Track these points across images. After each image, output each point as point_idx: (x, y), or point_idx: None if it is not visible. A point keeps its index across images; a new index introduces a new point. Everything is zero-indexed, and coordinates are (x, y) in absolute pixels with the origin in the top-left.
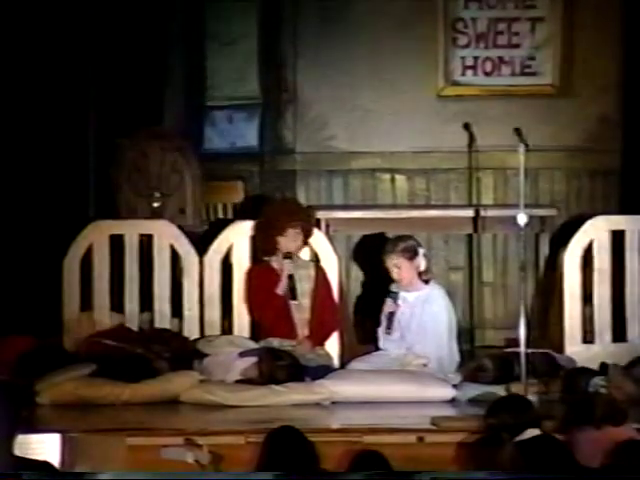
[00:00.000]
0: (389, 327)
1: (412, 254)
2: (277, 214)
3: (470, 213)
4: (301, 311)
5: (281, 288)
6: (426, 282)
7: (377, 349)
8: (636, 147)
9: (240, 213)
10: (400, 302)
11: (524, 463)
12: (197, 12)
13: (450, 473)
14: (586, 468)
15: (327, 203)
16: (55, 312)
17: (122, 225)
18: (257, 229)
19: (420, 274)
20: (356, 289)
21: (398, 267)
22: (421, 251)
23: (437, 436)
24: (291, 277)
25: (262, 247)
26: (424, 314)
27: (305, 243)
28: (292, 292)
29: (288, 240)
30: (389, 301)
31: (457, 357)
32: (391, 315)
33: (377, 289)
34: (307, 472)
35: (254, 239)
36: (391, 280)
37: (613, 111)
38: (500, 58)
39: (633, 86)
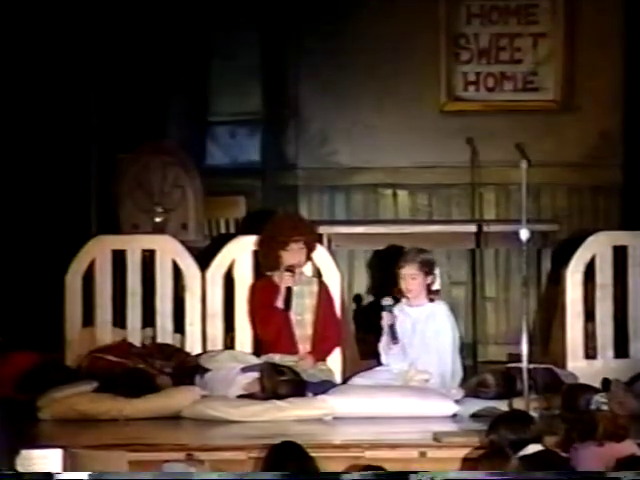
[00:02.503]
0: (394, 337)
1: (429, 269)
2: (280, 228)
3: (472, 228)
4: (303, 326)
5: (280, 301)
6: (431, 300)
7: (379, 364)
8: (638, 162)
9: (244, 228)
10: (400, 316)
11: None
12: (200, 28)
13: (450, 473)
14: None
15: (329, 218)
16: (57, 328)
17: (124, 240)
18: (261, 243)
19: (429, 292)
20: (357, 304)
21: (413, 278)
22: (437, 270)
23: (439, 451)
24: (289, 290)
25: (265, 261)
26: (427, 330)
27: (308, 258)
28: (287, 305)
29: (291, 255)
30: (385, 314)
31: (460, 373)
32: (392, 327)
33: (379, 304)
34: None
35: (257, 254)
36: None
37: (615, 126)
38: (502, 73)
39: (635, 102)
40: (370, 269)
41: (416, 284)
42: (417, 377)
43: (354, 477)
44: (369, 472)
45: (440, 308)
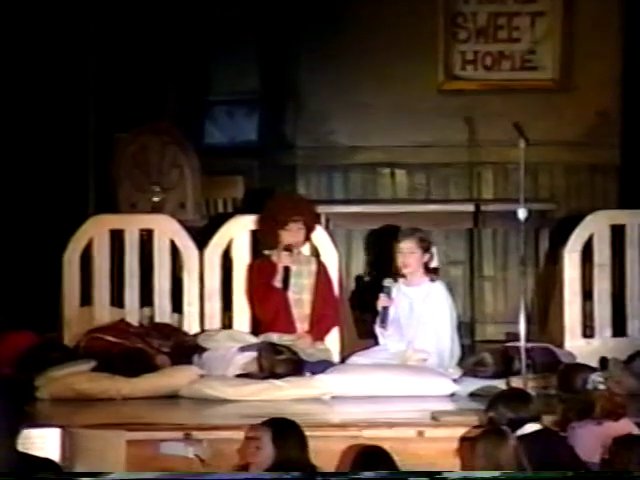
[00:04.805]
0: (383, 321)
1: (427, 246)
2: (281, 208)
3: (470, 208)
4: (301, 306)
5: (277, 280)
6: (431, 280)
7: (377, 344)
8: (635, 142)
9: (242, 208)
10: (394, 296)
11: (525, 457)
12: (198, 8)
13: (450, 472)
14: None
15: (327, 198)
16: (55, 307)
17: (122, 220)
18: (260, 222)
19: (427, 271)
20: (356, 283)
21: (412, 252)
22: (434, 249)
23: (437, 430)
24: (287, 269)
25: (264, 240)
26: (425, 309)
27: (307, 238)
28: (285, 284)
29: (290, 234)
30: (382, 296)
31: (458, 352)
32: (385, 310)
33: (378, 283)
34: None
35: (256, 232)
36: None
37: (613, 105)
38: (500, 52)
39: (633, 81)
40: (367, 248)
41: (414, 259)
42: (415, 357)
43: (359, 477)
44: (375, 472)
45: (437, 287)
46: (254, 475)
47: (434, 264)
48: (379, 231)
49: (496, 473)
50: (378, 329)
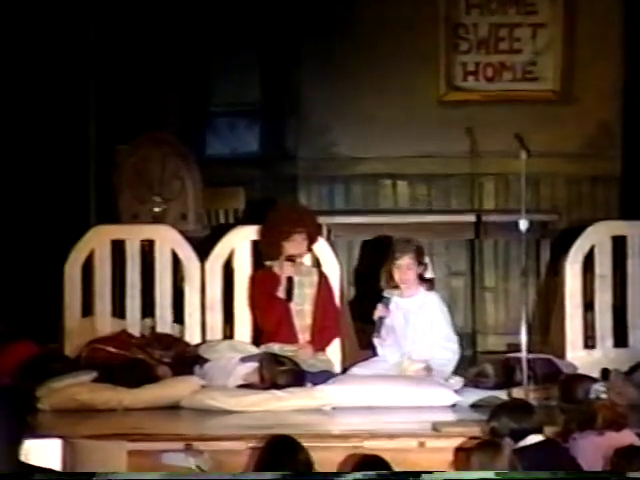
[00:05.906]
0: (378, 331)
1: (422, 258)
2: (284, 219)
3: (471, 218)
4: (303, 317)
5: (280, 290)
6: (429, 289)
7: (376, 355)
8: (636, 153)
9: (243, 218)
10: (392, 307)
11: (527, 468)
12: (200, 18)
13: (451, 473)
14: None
15: (328, 209)
16: (56, 318)
17: (123, 230)
18: (263, 233)
19: (422, 281)
20: (357, 294)
21: (409, 268)
22: (427, 258)
23: (438, 441)
24: (290, 279)
25: (267, 251)
26: (419, 320)
27: (310, 249)
28: (289, 294)
29: (293, 245)
30: (380, 306)
31: (455, 362)
32: (381, 320)
33: (378, 294)
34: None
35: (259, 243)
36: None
37: (614, 117)
38: (501, 64)
39: (634, 92)
40: (366, 259)
41: (412, 274)
42: (412, 367)
43: (359, 477)
44: (375, 472)
45: (431, 298)
46: (254, 475)
47: (428, 274)
48: (372, 241)
49: (490, 474)
50: (375, 339)
